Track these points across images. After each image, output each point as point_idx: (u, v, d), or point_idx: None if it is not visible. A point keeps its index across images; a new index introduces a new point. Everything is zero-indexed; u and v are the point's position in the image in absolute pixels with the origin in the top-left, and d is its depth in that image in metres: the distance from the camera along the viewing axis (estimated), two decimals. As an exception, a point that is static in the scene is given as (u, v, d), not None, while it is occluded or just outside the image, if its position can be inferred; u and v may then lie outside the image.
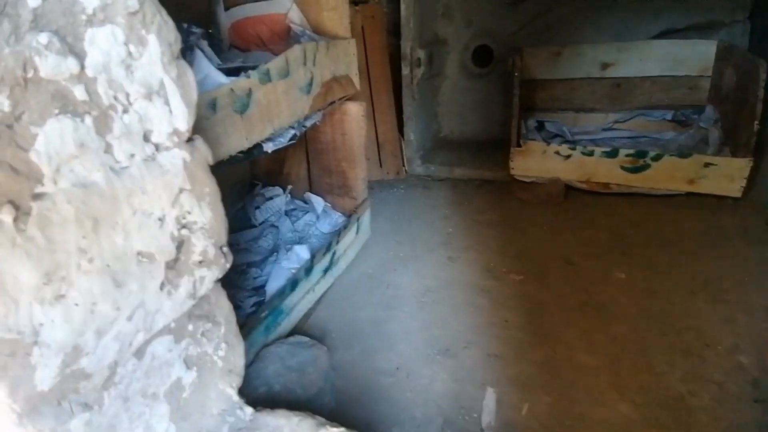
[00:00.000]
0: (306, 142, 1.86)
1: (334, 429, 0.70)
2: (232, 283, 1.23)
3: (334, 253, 1.58)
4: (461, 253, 1.78)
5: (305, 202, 1.82)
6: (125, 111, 0.46)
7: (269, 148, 1.13)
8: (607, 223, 1.87)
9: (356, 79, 1.60)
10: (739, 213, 1.80)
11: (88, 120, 0.42)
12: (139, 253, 0.48)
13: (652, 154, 1.89)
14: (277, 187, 1.80)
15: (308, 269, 1.42)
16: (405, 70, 2.28)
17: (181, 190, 0.52)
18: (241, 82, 0.96)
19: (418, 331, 1.40)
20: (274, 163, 1.91)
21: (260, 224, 1.72)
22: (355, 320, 1.46)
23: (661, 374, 1.16)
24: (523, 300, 1.49)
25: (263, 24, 1.61)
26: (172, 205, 0.52)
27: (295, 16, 1.54)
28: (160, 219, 0.50)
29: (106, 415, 0.47)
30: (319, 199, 1.78)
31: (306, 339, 1.18)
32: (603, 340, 1.29)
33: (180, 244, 0.54)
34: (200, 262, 0.57)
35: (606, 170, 1.99)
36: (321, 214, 1.76)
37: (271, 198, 1.75)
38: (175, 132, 0.52)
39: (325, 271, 1.55)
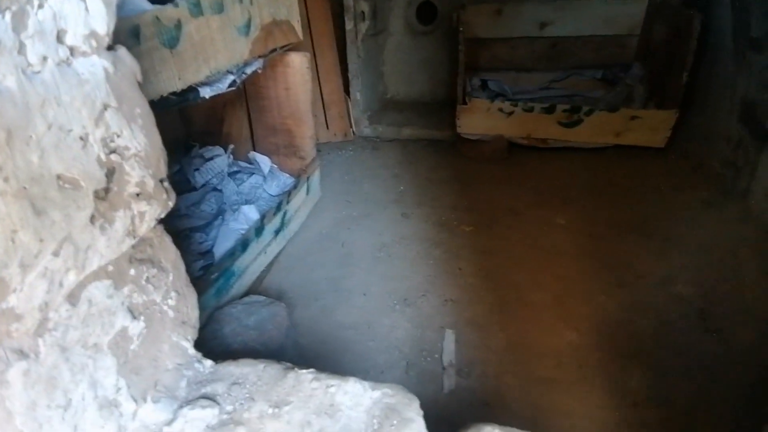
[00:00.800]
0: (246, 98, 1.73)
1: (303, 370, 0.68)
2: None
3: (284, 214, 1.51)
4: (414, 209, 1.79)
5: (250, 163, 1.71)
6: (41, 6, 0.38)
7: (206, 93, 1.03)
8: (547, 175, 1.97)
9: (298, 27, 1.49)
10: (665, 161, 1.98)
11: (8, 15, 0.33)
12: (59, 177, 0.41)
13: (585, 109, 2.00)
14: (217, 147, 1.67)
15: (259, 229, 1.35)
16: (349, 25, 2.18)
17: (105, 107, 0.45)
18: (168, 11, 0.85)
19: (376, 285, 1.40)
20: (212, 122, 1.76)
21: (201, 187, 1.60)
22: (311, 280, 1.43)
23: (600, 304, 1.26)
24: (475, 249, 1.54)
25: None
26: (96, 124, 0.44)
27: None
28: (82, 138, 0.42)
29: (44, 365, 0.41)
30: (266, 158, 1.68)
31: (262, 298, 1.13)
32: (548, 279, 1.38)
33: (110, 172, 0.46)
34: (137, 194, 0.50)
35: (544, 126, 2.08)
36: (268, 175, 1.67)
37: (211, 159, 1.62)
38: (93, 35, 0.44)
39: (277, 232, 1.48)
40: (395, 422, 0.58)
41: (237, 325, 1.02)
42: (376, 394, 0.63)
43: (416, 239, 1.61)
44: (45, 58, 0.40)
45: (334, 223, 1.72)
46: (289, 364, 0.69)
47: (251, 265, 1.34)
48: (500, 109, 2.10)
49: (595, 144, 2.07)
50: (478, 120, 2.14)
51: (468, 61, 2.28)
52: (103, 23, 0.44)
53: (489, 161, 2.13)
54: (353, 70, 2.27)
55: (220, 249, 1.29)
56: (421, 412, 0.62)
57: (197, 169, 1.60)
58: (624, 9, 2.22)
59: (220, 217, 1.48)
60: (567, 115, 2.04)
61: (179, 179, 1.61)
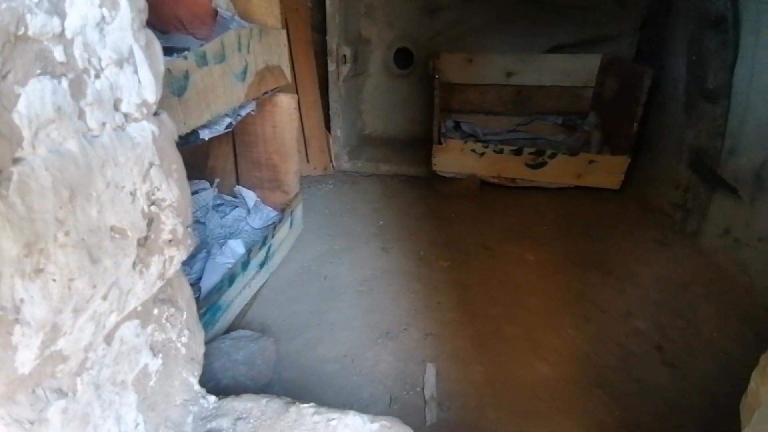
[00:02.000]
0: (233, 134, 1.79)
1: (304, 405, 0.72)
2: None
3: (269, 247, 1.55)
4: (394, 243, 1.88)
5: (234, 197, 1.75)
6: (97, 76, 0.44)
7: (206, 135, 1.09)
8: (516, 212, 2.13)
9: (287, 71, 1.59)
10: (621, 202, 2.19)
11: (65, 82, 0.39)
12: (112, 228, 0.46)
13: (548, 152, 2.20)
14: (202, 181, 1.71)
15: (245, 263, 1.39)
16: (331, 66, 2.31)
17: (151, 165, 0.51)
18: (178, 63, 0.92)
19: (358, 318, 1.45)
20: (197, 156, 1.80)
21: (183, 220, 1.61)
22: (294, 313, 1.46)
23: (568, 338, 1.37)
24: (452, 283, 1.63)
25: (183, 6, 1.52)
26: (143, 180, 0.50)
27: (221, 1, 1.48)
28: (131, 193, 0.48)
29: (80, 403, 0.44)
30: (251, 193, 1.73)
31: (249, 332, 1.16)
32: (521, 312, 1.48)
33: (150, 222, 0.52)
34: (170, 241, 0.55)
35: (513, 166, 2.26)
36: (252, 209, 1.71)
37: (196, 192, 1.65)
38: (144, 103, 0.51)
39: (261, 265, 1.52)
40: (394, 451, 0.64)
41: (226, 360, 1.04)
42: (375, 426, 0.68)
43: (397, 273, 1.69)
44: (104, 124, 0.46)
45: (316, 257, 1.77)
46: (289, 399, 0.74)
47: (236, 299, 1.36)
48: (473, 150, 2.27)
49: (559, 184, 2.27)
50: (453, 159, 2.29)
51: (442, 104, 2.46)
52: (152, 93, 0.51)
53: (462, 198, 2.27)
54: (335, 108, 2.39)
55: (207, 283, 1.31)
56: (417, 442, 0.68)
57: (180, 202, 1.63)
58: (580, 63, 2.49)
59: (205, 250, 1.50)
60: (533, 157, 2.23)
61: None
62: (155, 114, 0.53)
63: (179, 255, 0.57)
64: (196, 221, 1.62)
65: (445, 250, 1.83)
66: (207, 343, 1.12)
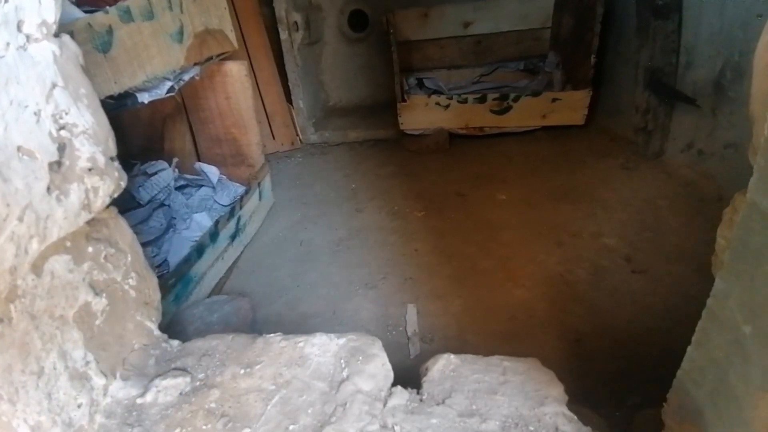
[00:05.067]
0: (187, 112, 1.74)
1: (271, 335, 0.72)
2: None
3: (239, 219, 1.53)
4: (367, 203, 1.86)
5: (198, 175, 1.71)
6: (6, 0, 0.41)
7: (145, 98, 1.05)
8: (486, 159, 2.13)
9: (232, 36, 1.54)
10: (587, 136, 2.20)
11: None
12: (19, 149, 0.43)
13: (512, 96, 2.19)
14: (160, 162, 1.66)
15: (213, 234, 1.36)
16: (283, 35, 2.24)
17: (54, 85, 0.48)
18: (99, 17, 0.87)
19: (337, 275, 1.45)
20: (152, 139, 1.75)
21: (147, 203, 1.57)
22: (273, 279, 1.45)
23: (542, 262, 1.39)
24: (428, 231, 1.64)
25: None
26: (47, 100, 0.47)
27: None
28: (35, 113, 0.46)
29: (16, 330, 0.42)
30: (213, 168, 1.69)
31: (224, 296, 1.15)
32: (495, 247, 1.49)
33: (62, 147, 0.49)
34: (90, 169, 0.53)
35: (479, 115, 2.25)
36: (217, 185, 1.68)
37: (155, 174, 1.60)
38: (44, 23, 0.48)
39: (233, 237, 1.50)
40: (360, 358, 0.64)
41: (200, 323, 1.03)
42: (342, 340, 0.68)
43: (372, 229, 1.68)
44: (8, 44, 0.43)
45: (291, 225, 1.75)
46: (257, 334, 0.73)
47: (209, 271, 1.34)
48: (437, 103, 2.25)
49: (526, 127, 2.26)
50: (419, 115, 2.27)
51: (402, 63, 2.42)
52: (52, 13, 0.48)
53: (433, 152, 2.26)
54: (293, 79, 2.33)
55: (175, 258, 1.28)
56: (383, 350, 0.68)
57: (141, 186, 1.58)
58: (535, 5, 2.46)
59: (171, 230, 1.47)
60: (497, 103, 2.21)
61: (123, 197, 1.58)
62: (56, 35, 0.50)
63: (105, 187, 0.55)
64: (161, 204, 1.58)
65: (418, 202, 1.83)
66: (180, 311, 1.11)
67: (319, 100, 2.71)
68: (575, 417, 0.56)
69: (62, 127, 0.48)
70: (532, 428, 0.54)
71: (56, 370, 0.48)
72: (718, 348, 0.47)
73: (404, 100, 2.25)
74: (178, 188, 1.66)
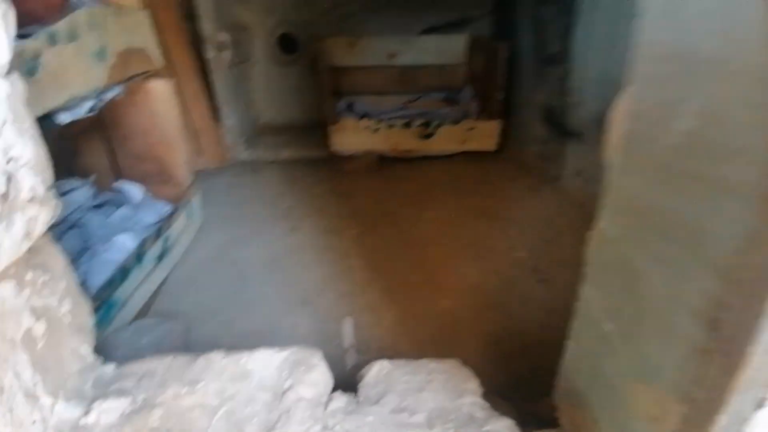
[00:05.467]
0: (105, 128, 1.64)
1: (213, 353, 0.74)
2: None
3: (166, 239, 1.48)
4: (302, 222, 1.90)
5: (118, 194, 1.62)
6: None
7: (66, 118, 1.00)
8: (413, 180, 2.29)
9: (155, 55, 1.51)
10: (499, 161, 2.46)
11: None
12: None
13: (434, 123, 2.39)
14: (74, 180, 1.54)
15: (139, 255, 1.31)
16: (211, 54, 2.22)
17: (4, 122, 0.48)
18: (29, 45, 0.85)
19: (273, 293, 1.46)
20: (63, 156, 1.62)
21: (58, 225, 1.45)
22: (205, 299, 1.42)
23: (463, 275, 1.54)
24: (362, 248, 1.72)
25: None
26: (-3, 135, 0.47)
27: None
28: (-17, 146, 0.46)
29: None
30: (136, 187, 1.61)
31: (153, 319, 1.11)
32: (423, 262, 1.62)
33: (9, 178, 0.49)
34: (31, 199, 0.53)
35: (406, 139, 2.41)
36: (141, 204, 1.60)
37: (69, 192, 1.49)
38: (-1, 65, 0.48)
39: (160, 258, 1.44)
40: (303, 368, 0.69)
41: (128, 349, 0.99)
42: (284, 353, 0.73)
43: (307, 248, 1.72)
44: None
45: (222, 245, 1.72)
46: (198, 353, 0.75)
47: (135, 294, 1.28)
48: (367, 127, 2.37)
49: (448, 151, 2.48)
50: (350, 137, 2.37)
51: (333, 87, 2.52)
52: (7, 53, 0.49)
53: (363, 173, 2.37)
54: (222, 97, 2.31)
55: (95, 281, 1.21)
56: (324, 360, 0.74)
57: (54, 206, 1.46)
58: (451, 43, 2.73)
59: (88, 251, 1.38)
60: (422, 129, 2.40)
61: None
62: (7, 73, 0.50)
63: (44, 215, 0.55)
64: (72, 226, 1.47)
65: (352, 220, 1.91)
66: (105, 337, 1.05)
67: (250, 118, 2.70)
68: (488, 405, 0.67)
69: (9, 160, 0.48)
70: (452, 417, 0.63)
71: (13, 388, 0.47)
72: (588, 342, 0.61)
73: (336, 123, 2.34)
74: (96, 207, 1.55)
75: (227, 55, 2.29)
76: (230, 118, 2.34)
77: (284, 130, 2.77)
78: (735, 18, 0.35)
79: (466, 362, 0.90)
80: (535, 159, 2.27)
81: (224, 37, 2.26)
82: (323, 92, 2.43)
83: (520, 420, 0.66)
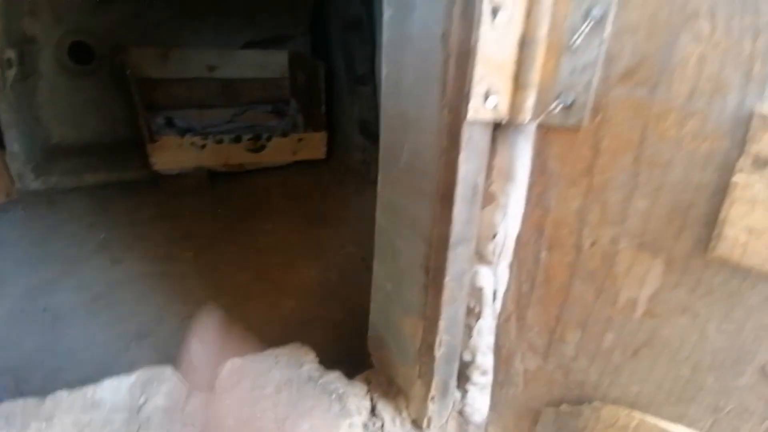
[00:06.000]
0: None
1: (58, 392, 0.77)
2: None
3: (-58, 297, 1.25)
4: (125, 252, 1.80)
5: None
6: None
7: None
8: (249, 193, 2.38)
9: None
10: (330, 168, 2.74)
11: None
12: None
13: (265, 136, 2.53)
14: None
15: None
16: (-15, 70, 1.88)
17: None
18: None
19: (101, 334, 1.39)
20: None
21: None
22: (18, 356, 1.27)
23: (304, 275, 1.75)
24: (200, 268, 1.75)
25: None
26: None
27: None
28: None
29: None
30: None
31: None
32: (266, 270, 1.76)
33: None
34: None
35: (236, 153, 2.48)
36: None
37: None
38: None
39: (-65, 321, 1.21)
40: (155, 384, 0.79)
41: None
42: (133, 377, 0.80)
43: (136, 279, 1.66)
44: None
45: (27, 292, 1.52)
46: (44, 395, 0.76)
47: None
48: (192, 143, 2.35)
49: (280, 162, 2.64)
50: (174, 155, 2.30)
51: (147, 100, 2.40)
52: None
53: (194, 191, 2.34)
54: (7, 121, 1.97)
55: None
56: (175, 371, 0.85)
57: None
58: (272, 58, 2.89)
59: None
60: (252, 142, 2.50)
61: None
62: None
63: None
64: None
65: (185, 243, 1.90)
66: None
67: (38, 139, 2.34)
68: (323, 368, 0.89)
69: None
70: (295, 381, 0.83)
71: None
72: (380, 300, 0.88)
73: (154, 140, 2.24)
74: None
75: (12, 72, 1.96)
76: (16, 143, 2.01)
77: (87, 151, 2.49)
78: (423, 93, 0.63)
79: (313, 347, 1.09)
80: (358, 165, 2.63)
81: (11, 54, 1.94)
82: (135, 107, 2.29)
83: (348, 374, 0.90)
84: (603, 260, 0.50)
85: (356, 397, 0.78)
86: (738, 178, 0.41)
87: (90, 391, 0.77)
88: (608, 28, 0.45)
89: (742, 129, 0.41)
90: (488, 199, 0.62)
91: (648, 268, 0.47)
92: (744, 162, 0.41)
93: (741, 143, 0.41)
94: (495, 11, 0.48)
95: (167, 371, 0.85)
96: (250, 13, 2.85)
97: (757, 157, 0.40)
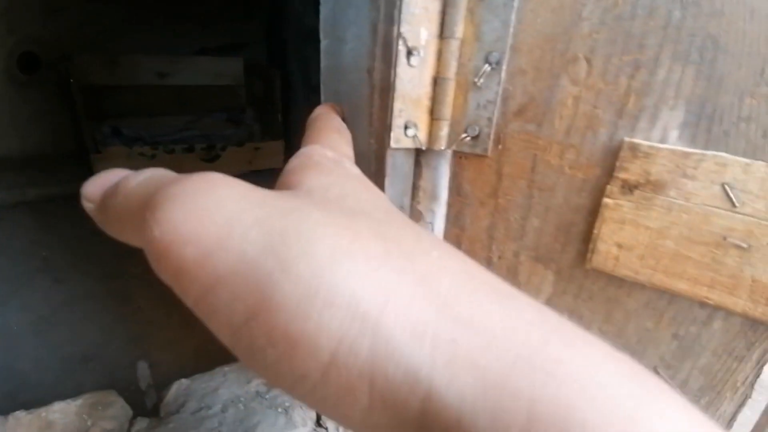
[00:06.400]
0: None
1: (18, 412, 0.77)
2: None
3: None
4: (69, 270, 1.75)
5: None
6: None
7: None
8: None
9: None
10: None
11: None
12: None
13: (219, 146, 2.52)
14: None
15: None
16: None
17: None
18: None
19: (48, 358, 1.36)
20: None
21: None
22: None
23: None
24: (150, 285, 1.73)
25: None
26: None
27: None
28: None
29: None
30: None
31: None
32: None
33: None
34: None
35: (190, 164, 2.46)
36: None
37: None
38: None
39: None
40: (100, 408, 0.80)
41: None
42: (79, 401, 0.82)
43: (81, 298, 1.62)
44: None
45: (-45, 317, 1.46)
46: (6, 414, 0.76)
47: None
48: (141, 154, 2.31)
49: (236, 172, 2.63)
50: (120, 166, 2.25)
51: (93, 109, 2.34)
52: None
53: (145, 205, 2.30)
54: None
55: None
56: (119, 395, 0.86)
57: None
58: (226, 65, 2.89)
59: None
60: (206, 152, 2.49)
61: None
62: None
63: None
64: None
65: (134, 259, 1.85)
66: None
67: (-29, 152, 2.23)
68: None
69: None
70: (242, 399, 0.86)
71: None
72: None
73: (98, 151, 2.20)
74: None
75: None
76: (-61, 156, 1.91)
77: (30, 164, 2.39)
78: (355, 122, 0.68)
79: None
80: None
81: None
82: (78, 116, 2.23)
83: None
84: (508, 271, 0.57)
85: (302, 408, 0.82)
86: (607, 201, 0.49)
87: (44, 413, 0.78)
88: (503, 71, 0.53)
89: (612, 159, 0.49)
90: (416, 216, 0.69)
91: (543, 278, 0.55)
92: (613, 187, 0.49)
93: (611, 171, 0.49)
94: (410, 53, 0.54)
95: (111, 395, 0.87)
96: (205, 20, 2.84)
97: (625, 183, 0.48)
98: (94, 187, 0.29)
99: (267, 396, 0.86)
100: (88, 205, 0.32)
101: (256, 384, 0.90)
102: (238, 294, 0.20)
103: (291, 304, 0.18)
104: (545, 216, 0.53)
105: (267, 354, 0.19)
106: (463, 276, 0.20)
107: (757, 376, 0.51)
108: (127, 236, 0.28)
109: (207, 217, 0.21)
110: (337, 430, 0.78)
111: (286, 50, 2.71)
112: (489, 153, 0.56)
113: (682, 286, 0.47)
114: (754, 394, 0.52)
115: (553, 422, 0.14)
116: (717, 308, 0.47)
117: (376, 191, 0.34)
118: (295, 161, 0.35)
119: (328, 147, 0.41)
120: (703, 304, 0.48)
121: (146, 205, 0.23)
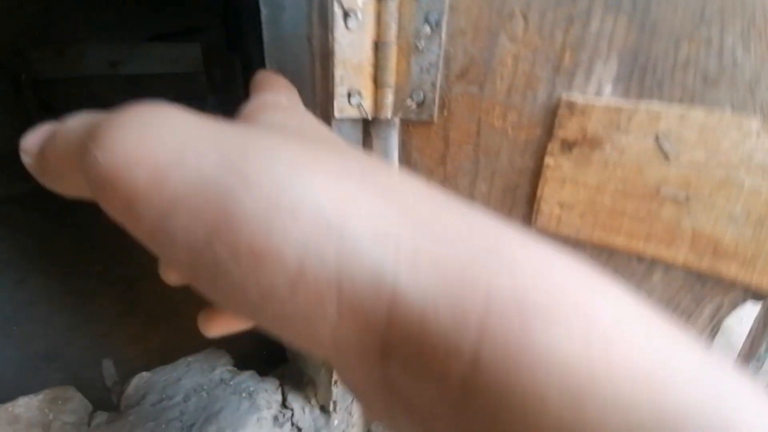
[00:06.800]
0: None
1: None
2: None
3: None
4: (30, 271, 1.69)
5: None
6: None
7: None
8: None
9: None
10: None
11: None
12: None
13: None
14: None
15: None
16: None
17: None
18: None
19: (7, 360, 1.32)
20: None
21: None
22: None
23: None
24: (113, 283, 1.69)
25: None
26: None
27: None
28: None
29: None
30: None
31: None
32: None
33: None
34: None
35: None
36: None
37: None
38: None
39: None
40: (60, 402, 0.78)
41: None
42: (40, 396, 0.80)
43: (44, 297, 1.58)
44: None
45: None
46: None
47: None
48: (98, 149, 2.21)
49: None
50: (76, 163, 2.16)
51: (45, 103, 2.23)
52: None
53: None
54: None
55: None
56: (78, 391, 0.84)
57: None
58: (182, 51, 2.78)
59: None
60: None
61: None
62: None
63: None
64: None
65: (95, 255, 1.82)
66: None
67: None
68: (236, 369, 0.91)
69: None
70: (206, 386, 0.85)
71: None
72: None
73: (52, 148, 2.10)
74: None
75: None
76: None
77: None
78: (300, 92, 0.66)
79: (234, 349, 1.10)
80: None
81: None
82: (28, 111, 2.12)
83: (263, 371, 0.93)
84: (459, 239, 0.58)
85: (267, 392, 0.81)
86: (549, 160, 0.49)
87: (10, 407, 0.76)
88: (444, 32, 0.52)
89: (551, 118, 0.49)
90: (369, 190, 0.68)
91: (492, 243, 0.55)
92: (553, 146, 0.49)
93: (551, 130, 0.49)
94: (346, 15, 0.52)
95: (70, 390, 0.85)
96: (157, 4, 2.72)
97: (564, 141, 0.49)
98: (33, 137, 0.29)
99: (231, 382, 0.85)
100: (26, 159, 0.31)
101: (221, 371, 0.89)
102: (197, 214, 0.19)
103: (254, 217, 0.18)
104: (492, 180, 0.53)
105: (231, 273, 0.19)
106: (422, 188, 0.21)
107: (714, 334, 0.51)
108: (69, 183, 0.27)
109: (158, 137, 0.20)
110: (303, 410, 0.79)
111: (244, 33, 2.63)
112: (435, 119, 0.55)
113: (619, 241, 0.48)
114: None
115: (508, 308, 0.15)
116: (654, 261, 0.49)
117: (333, 132, 0.36)
118: (249, 105, 0.34)
119: (282, 95, 0.41)
120: (640, 258, 0.49)
121: (88, 136, 0.21)
